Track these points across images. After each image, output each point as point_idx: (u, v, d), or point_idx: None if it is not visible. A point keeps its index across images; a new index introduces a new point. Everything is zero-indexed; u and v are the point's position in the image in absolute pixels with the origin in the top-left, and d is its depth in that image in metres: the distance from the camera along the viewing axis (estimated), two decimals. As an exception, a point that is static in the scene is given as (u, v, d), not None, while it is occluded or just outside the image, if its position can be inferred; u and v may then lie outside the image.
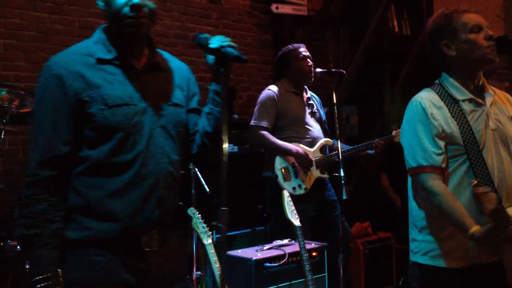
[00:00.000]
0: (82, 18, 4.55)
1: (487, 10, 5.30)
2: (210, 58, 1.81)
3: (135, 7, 1.72)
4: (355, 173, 5.47)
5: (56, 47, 4.31)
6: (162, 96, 1.84)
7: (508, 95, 2.31)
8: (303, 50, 3.87)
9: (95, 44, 1.80)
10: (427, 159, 2.08)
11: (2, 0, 4.17)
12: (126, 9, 1.72)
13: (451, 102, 2.14)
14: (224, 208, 1.67)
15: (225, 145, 1.68)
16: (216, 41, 1.78)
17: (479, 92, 2.19)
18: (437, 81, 2.23)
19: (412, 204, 2.24)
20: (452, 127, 2.10)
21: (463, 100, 2.14)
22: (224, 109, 1.74)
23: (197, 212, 2.95)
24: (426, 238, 2.17)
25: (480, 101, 2.16)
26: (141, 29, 1.76)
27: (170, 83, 1.89)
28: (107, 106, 1.71)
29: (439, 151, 2.08)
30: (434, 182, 2.06)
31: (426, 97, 2.16)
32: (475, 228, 1.95)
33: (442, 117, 2.11)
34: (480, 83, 2.20)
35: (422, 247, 2.19)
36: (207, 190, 3.53)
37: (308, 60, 3.85)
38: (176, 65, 1.95)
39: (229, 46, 1.77)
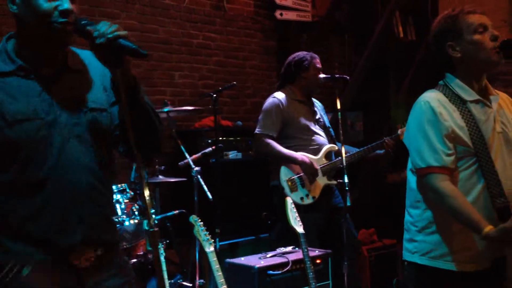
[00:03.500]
0: None
1: (492, 15, 5.27)
2: (98, 56, 1.54)
3: (65, 13, 1.58)
4: (362, 179, 5.44)
5: None
6: (76, 103, 1.66)
7: (510, 99, 2.28)
8: (319, 62, 3.85)
9: None
10: (437, 160, 2.05)
11: None
12: (56, 14, 1.57)
13: (459, 103, 2.11)
14: (154, 230, 1.49)
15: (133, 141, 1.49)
16: (101, 34, 1.49)
17: (484, 94, 2.17)
18: (441, 82, 2.21)
19: (414, 204, 2.22)
20: (462, 128, 2.08)
21: (471, 101, 2.12)
22: (126, 112, 1.51)
23: (199, 220, 2.93)
24: (427, 239, 2.15)
25: (487, 103, 2.14)
26: (69, 37, 1.61)
27: (87, 86, 1.70)
28: (6, 123, 1.56)
29: (449, 152, 2.06)
30: (443, 184, 2.04)
31: (434, 97, 2.13)
32: (488, 228, 1.95)
33: (450, 117, 2.09)
34: (484, 86, 2.18)
35: (421, 248, 2.17)
36: (210, 197, 3.51)
37: (321, 72, 3.82)
38: (95, 64, 1.65)
39: (119, 37, 1.48)
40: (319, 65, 3.83)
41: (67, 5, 1.58)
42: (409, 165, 2.22)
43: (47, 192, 1.59)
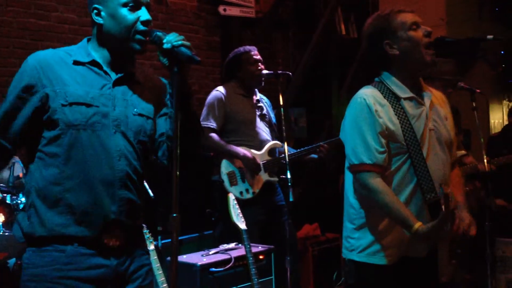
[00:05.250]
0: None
1: (430, 14, 5.42)
2: (164, 59, 1.80)
3: (147, 23, 1.83)
4: (305, 175, 5.49)
5: None
6: (130, 105, 1.89)
7: (443, 95, 2.35)
8: (255, 54, 3.83)
9: (78, 49, 1.90)
10: (369, 157, 2.08)
11: None
12: (138, 24, 1.82)
13: (393, 99, 2.15)
14: (175, 215, 1.64)
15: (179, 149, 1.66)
16: (168, 41, 1.77)
17: (418, 91, 2.21)
18: (377, 79, 2.24)
19: (351, 201, 2.25)
20: (396, 124, 2.11)
21: (405, 98, 2.16)
22: (177, 111, 1.70)
23: (139, 218, 2.86)
24: (363, 236, 2.19)
25: (420, 100, 2.19)
26: (145, 45, 1.85)
27: (142, 95, 1.94)
28: (66, 102, 1.78)
29: (382, 149, 2.09)
30: (375, 181, 2.07)
31: (370, 94, 2.16)
32: (418, 225, 1.99)
33: (385, 114, 2.12)
34: (418, 83, 2.23)
35: (358, 245, 2.20)
36: (151, 195, 3.45)
37: (259, 64, 3.81)
38: (155, 83, 2.00)
39: (182, 45, 1.75)
40: (257, 57, 3.82)
41: (148, 16, 1.84)
42: (346, 164, 2.24)
43: (88, 169, 1.79)
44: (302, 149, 3.85)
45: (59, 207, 1.78)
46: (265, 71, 3.79)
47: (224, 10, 5.62)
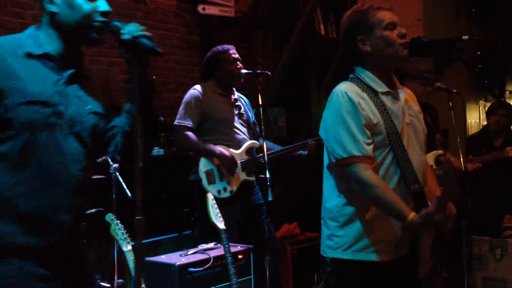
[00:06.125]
0: None
1: (407, 14, 5.48)
2: (123, 50, 1.70)
3: (105, 14, 1.76)
4: (284, 174, 5.50)
5: None
6: (83, 103, 1.80)
7: (413, 94, 2.37)
8: (233, 53, 3.82)
9: (27, 38, 1.77)
10: (359, 149, 2.06)
11: None
12: (96, 15, 1.75)
13: (372, 94, 2.15)
14: (139, 218, 1.54)
15: (141, 146, 1.57)
16: (128, 32, 1.66)
17: (392, 87, 2.23)
18: (351, 75, 2.24)
19: (332, 200, 2.22)
20: (377, 117, 2.11)
21: (382, 93, 2.17)
22: (138, 106, 1.62)
23: (116, 218, 2.83)
24: (349, 233, 2.16)
25: (396, 95, 2.20)
26: (102, 35, 1.78)
27: (93, 92, 1.85)
28: (25, 100, 1.66)
29: (369, 141, 2.09)
30: (367, 173, 2.05)
31: (350, 88, 2.15)
32: (412, 215, 1.97)
33: (367, 107, 2.11)
34: (391, 79, 2.24)
35: (343, 242, 2.17)
36: (129, 194, 3.42)
37: (238, 62, 3.80)
38: (100, 77, 1.91)
39: (143, 36, 1.65)
40: (235, 55, 3.81)
41: (107, 7, 1.76)
42: (325, 162, 2.23)
43: (40, 175, 1.67)
44: (289, 146, 3.85)
45: (8, 214, 1.65)
46: (244, 71, 3.78)
47: (203, 9, 5.59)
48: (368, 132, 2.09)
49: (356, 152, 2.06)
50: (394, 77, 2.25)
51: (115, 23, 1.71)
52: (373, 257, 2.13)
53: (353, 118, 2.08)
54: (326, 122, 2.18)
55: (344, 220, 2.18)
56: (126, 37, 1.66)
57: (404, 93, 2.22)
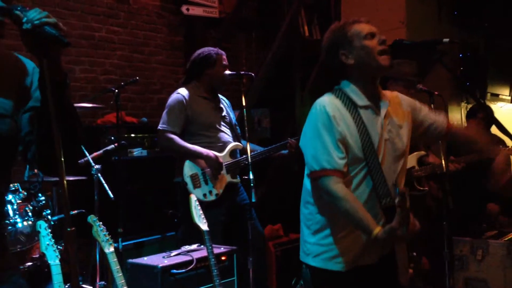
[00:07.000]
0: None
1: (390, 16, 5.51)
2: (24, 41, 1.44)
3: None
4: (268, 175, 5.49)
5: None
6: None
7: (399, 97, 2.37)
8: (225, 58, 3.82)
9: None
10: (330, 162, 2.09)
11: None
12: None
13: (352, 108, 2.17)
14: (70, 229, 1.40)
15: (60, 148, 1.38)
16: (29, 20, 1.41)
17: (376, 100, 2.24)
18: (336, 87, 2.26)
19: (307, 206, 2.26)
20: (353, 133, 2.14)
21: (361, 107, 2.19)
22: (50, 104, 1.40)
23: (98, 220, 2.81)
24: (319, 241, 2.21)
25: (376, 109, 2.22)
26: (3, 27, 1.52)
27: None
28: None
29: (342, 155, 2.11)
30: (337, 186, 2.08)
31: (329, 102, 2.18)
32: (377, 230, 2.00)
33: (344, 122, 2.14)
34: (377, 90, 2.25)
35: (313, 250, 2.22)
36: (111, 196, 3.40)
37: (227, 69, 3.80)
38: (11, 67, 1.57)
39: (46, 23, 1.41)
40: (225, 62, 3.81)
41: None
42: (306, 171, 2.25)
43: None
44: (270, 147, 3.86)
45: None
46: (228, 72, 3.77)
47: (187, 9, 5.58)
48: (342, 147, 2.12)
49: (327, 165, 2.10)
50: (380, 88, 2.26)
51: (16, 11, 1.44)
52: (341, 267, 2.17)
53: (328, 133, 2.12)
54: (305, 135, 2.23)
55: (316, 228, 2.23)
56: (26, 26, 1.41)
57: (386, 106, 2.23)
